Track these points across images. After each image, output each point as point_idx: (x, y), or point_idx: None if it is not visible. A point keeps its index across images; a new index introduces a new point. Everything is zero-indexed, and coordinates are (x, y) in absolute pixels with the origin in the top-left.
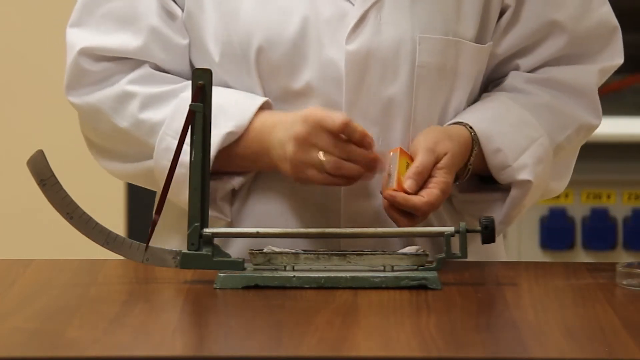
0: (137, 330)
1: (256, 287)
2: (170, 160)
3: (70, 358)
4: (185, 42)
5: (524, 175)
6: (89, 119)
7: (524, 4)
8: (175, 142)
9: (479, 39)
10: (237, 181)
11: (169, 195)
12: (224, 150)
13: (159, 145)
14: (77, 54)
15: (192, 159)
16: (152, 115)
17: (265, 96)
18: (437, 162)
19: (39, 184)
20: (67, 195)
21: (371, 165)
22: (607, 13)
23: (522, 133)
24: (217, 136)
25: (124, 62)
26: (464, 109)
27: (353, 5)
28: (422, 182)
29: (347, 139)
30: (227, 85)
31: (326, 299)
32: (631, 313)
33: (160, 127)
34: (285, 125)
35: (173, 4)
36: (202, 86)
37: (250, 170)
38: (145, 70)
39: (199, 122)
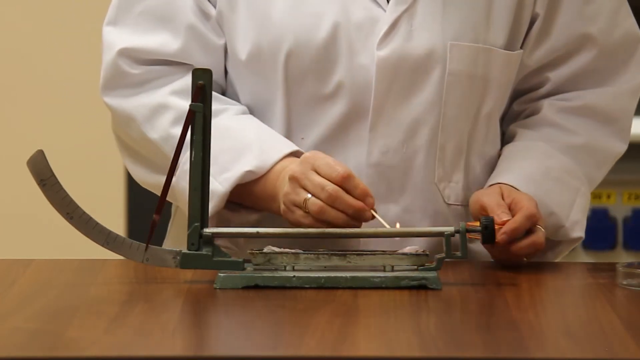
0: (137, 330)
1: (256, 287)
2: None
3: (70, 358)
4: (221, 42)
5: (576, 233)
6: (122, 122)
7: (556, 15)
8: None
9: (509, 46)
10: (253, 217)
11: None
12: (240, 186)
13: (182, 165)
14: (117, 55)
15: (192, 159)
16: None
17: (291, 99)
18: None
19: (39, 184)
20: (67, 195)
21: (357, 215)
22: (632, 25)
23: (568, 186)
24: (237, 172)
25: (165, 65)
26: (495, 116)
27: (384, 11)
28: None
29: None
30: (251, 87)
31: (326, 299)
32: (631, 313)
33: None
34: None
35: (207, 3)
36: (202, 86)
37: (263, 210)
38: (188, 79)
39: (199, 122)
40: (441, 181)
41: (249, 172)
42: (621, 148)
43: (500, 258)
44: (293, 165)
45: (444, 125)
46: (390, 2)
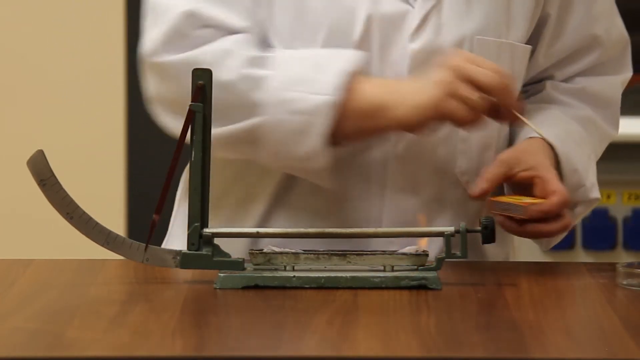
0: (137, 330)
1: (256, 287)
2: (290, 112)
3: (70, 358)
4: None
5: (594, 194)
6: (181, 75)
7: (569, 17)
8: (288, 94)
9: (526, 41)
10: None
11: (282, 149)
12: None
13: (270, 97)
14: (181, 16)
15: (192, 159)
16: (256, 70)
17: None
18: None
19: (39, 184)
20: (67, 195)
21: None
22: (622, 25)
23: (585, 151)
24: (342, 66)
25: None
26: None
27: (412, 7)
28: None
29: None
30: None
31: (326, 299)
32: (631, 313)
33: (266, 81)
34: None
35: None
36: (202, 86)
37: (361, 134)
38: (250, 36)
39: (199, 122)
40: (464, 174)
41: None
42: (614, 133)
43: (522, 233)
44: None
45: None
46: (418, 0)
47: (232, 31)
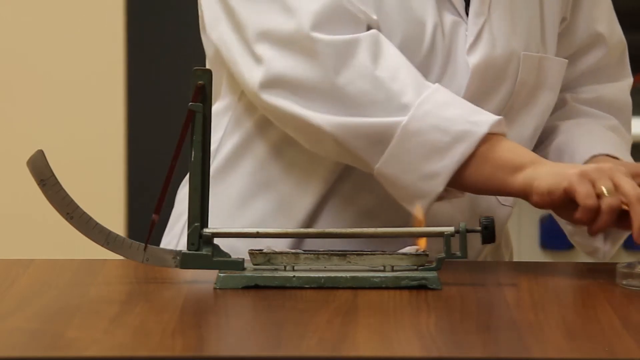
0: (137, 330)
1: (256, 287)
2: (438, 128)
3: (70, 358)
4: None
5: None
6: (334, 56)
7: (577, 17)
8: (444, 112)
9: (557, 53)
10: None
11: (409, 158)
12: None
13: (426, 105)
14: None
15: (192, 159)
16: (419, 78)
17: None
18: None
19: (39, 184)
20: (67, 195)
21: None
22: (620, 29)
23: (628, 158)
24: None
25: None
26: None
27: (463, 19)
28: None
29: None
30: None
31: (326, 299)
32: (631, 313)
33: (427, 90)
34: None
35: None
36: (202, 86)
37: (482, 184)
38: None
39: (198, 122)
40: None
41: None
42: (630, 137)
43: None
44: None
45: (508, 134)
46: (470, 12)
47: (371, 22)
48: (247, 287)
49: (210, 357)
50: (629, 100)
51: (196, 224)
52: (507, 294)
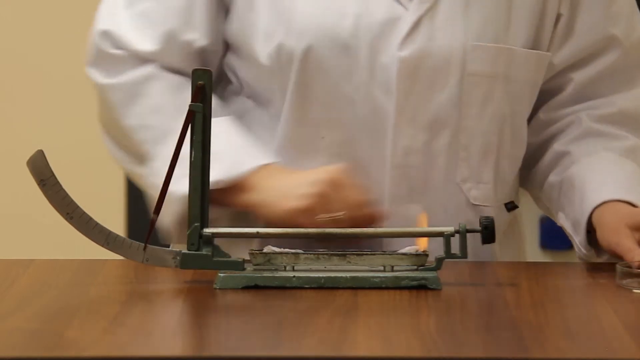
0: (137, 330)
1: (256, 287)
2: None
3: (70, 358)
4: (210, 44)
5: None
6: (101, 97)
7: (578, 14)
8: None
9: (532, 45)
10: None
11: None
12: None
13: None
14: (98, 35)
15: (192, 159)
16: (161, 123)
17: (309, 97)
18: None
19: (39, 184)
20: (67, 195)
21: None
22: None
23: None
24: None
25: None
26: (522, 117)
27: (406, 9)
28: None
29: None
30: (265, 82)
31: (326, 299)
32: (631, 313)
33: (168, 136)
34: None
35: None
36: (202, 86)
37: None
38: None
39: (198, 122)
40: (466, 181)
41: (217, 182)
42: None
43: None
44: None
45: (466, 125)
46: (413, 2)
47: (142, 54)
48: (247, 287)
49: (210, 357)
50: None
51: (196, 224)
52: (507, 294)
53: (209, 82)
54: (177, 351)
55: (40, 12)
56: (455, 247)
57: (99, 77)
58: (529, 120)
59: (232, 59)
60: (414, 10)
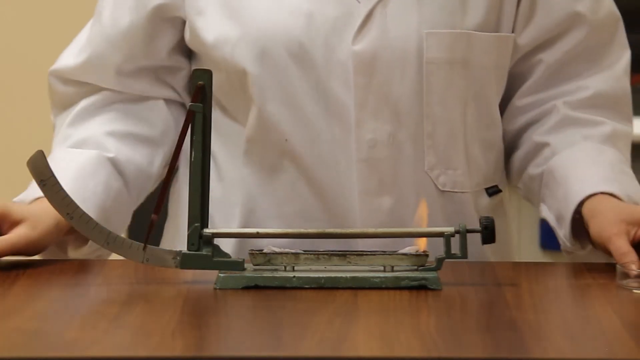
0: (137, 331)
1: (256, 287)
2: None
3: (70, 358)
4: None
5: None
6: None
7: None
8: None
9: (492, 28)
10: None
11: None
12: None
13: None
14: (49, 74)
15: (192, 159)
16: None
17: (267, 98)
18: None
19: (39, 184)
20: (67, 195)
21: None
22: (612, 4)
23: (629, 174)
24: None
25: (83, 87)
26: (489, 101)
27: (358, 2)
28: None
29: None
30: (232, 93)
31: (326, 299)
32: (631, 313)
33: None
34: None
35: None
36: (202, 86)
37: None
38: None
39: (198, 122)
40: (434, 169)
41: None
42: (631, 129)
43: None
44: None
45: (429, 113)
46: None
47: (67, 74)
48: (247, 287)
49: (210, 357)
50: (625, 86)
51: (196, 224)
52: (507, 294)
53: (209, 82)
54: (177, 351)
55: (40, 12)
56: (454, 248)
57: (52, 116)
58: (505, 107)
59: (194, 67)
60: (366, 3)
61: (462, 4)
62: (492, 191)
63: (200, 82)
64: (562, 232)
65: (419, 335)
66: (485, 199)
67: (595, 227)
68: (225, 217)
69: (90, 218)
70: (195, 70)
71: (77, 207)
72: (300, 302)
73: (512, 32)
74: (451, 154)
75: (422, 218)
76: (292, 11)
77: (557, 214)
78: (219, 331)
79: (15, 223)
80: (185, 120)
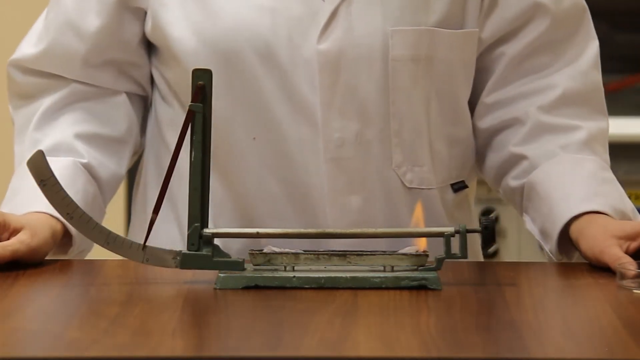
0: (137, 331)
1: (256, 287)
2: None
3: (70, 358)
4: (83, 50)
5: (636, 215)
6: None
7: None
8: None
9: (456, 24)
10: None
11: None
12: None
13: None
14: (8, 65)
15: (192, 159)
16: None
17: (234, 97)
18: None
19: (39, 184)
20: (67, 195)
21: None
22: None
23: (612, 181)
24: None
25: (45, 77)
26: (456, 97)
27: (323, 1)
28: None
29: None
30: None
31: (326, 299)
32: (631, 313)
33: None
34: None
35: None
36: (202, 86)
37: None
38: (56, 97)
39: (198, 122)
40: (401, 166)
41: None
42: (606, 122)
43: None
44: None
45: (396, 111)
46: None
47: (27, 63)
48: (247, 287)
49: (210, 357)
50: (595, 79)
51: (196, 224)
52: (507, 294)
53: (209, 82)
54: (177, 351)
55: (40, 12)
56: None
57: (11, 108)
58: (475, 104)
59: (156, 63)
60: (330, 2)
61: (425, 0)
62: (458, 187)
63: (200, 82)
64: (549, 247)
65: (419, 335)
66: (450, 195)
67: (586, 246)
68: None
69: (90, 218)
70: (195, 70)
71: (77, 207)
72: (300, 302)
73: (478, 28)
74: (417, 151)
75: (419, 219)
76: (256, 9)
77: (542, 229)
78: (219, 331)
79: (14, 231)
80: (185, 120)
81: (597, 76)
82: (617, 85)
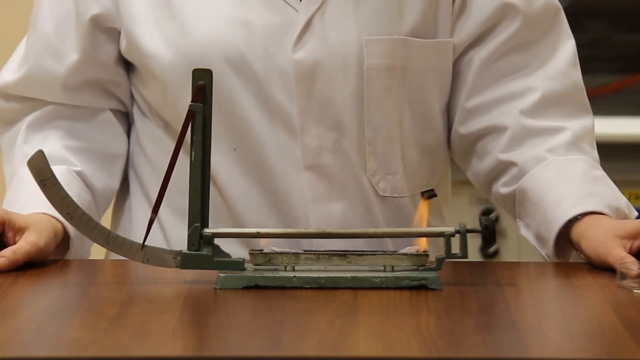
0: (137, 331)
1: (256, 287)
2: None
3: (70, 358)
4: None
5: (633, 213)
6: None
7: None
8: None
9: (429, 33)
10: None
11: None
12: None
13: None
14: None
15: (192, 159)
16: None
17: (216, 110)
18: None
19: (39, 184)
20: (67, 195)
21: None
22: None
23: (604, 179)
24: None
25: (27, 102)
26: (430, 106)
27: (297, 11)
28: None
29: None
30: (175, 99)
31: (326, 299)
32: (631, 313)
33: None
34: None
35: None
36: (202, 86)
37: None
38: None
39: (198, 122)
40: (375, 174)
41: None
42: (591, 119)
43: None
44: None
45: (370, 119)
46: (302, 3)
47: (9, 89)
48: (247, 287)
49: (210, 357)
50: (574, 78)
51: (196, 224)
52: (507, 294)
53: (209, 82)
54: (177, 351)
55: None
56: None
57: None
58: (456, 110)
59: (133, 79)
60: (304, 12)
61: (399, 10)
62: (428, 195)
63: (200, 82)
64: (545, 252)
65: (419, 335)
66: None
67: (590, 248)
68: (182, 231)
69: (90, 218)
70: (195, 70)
71: (78, 207)
72: (300, 302)
73: (452, 35)
74: (390, 159)
75: (422, 218)
76: (231, 21)
77: (537, 235)
78: (219, 331)
79: (19, 229)
80: (185, 120)
81: (577, 75)
82: (617, 85)
